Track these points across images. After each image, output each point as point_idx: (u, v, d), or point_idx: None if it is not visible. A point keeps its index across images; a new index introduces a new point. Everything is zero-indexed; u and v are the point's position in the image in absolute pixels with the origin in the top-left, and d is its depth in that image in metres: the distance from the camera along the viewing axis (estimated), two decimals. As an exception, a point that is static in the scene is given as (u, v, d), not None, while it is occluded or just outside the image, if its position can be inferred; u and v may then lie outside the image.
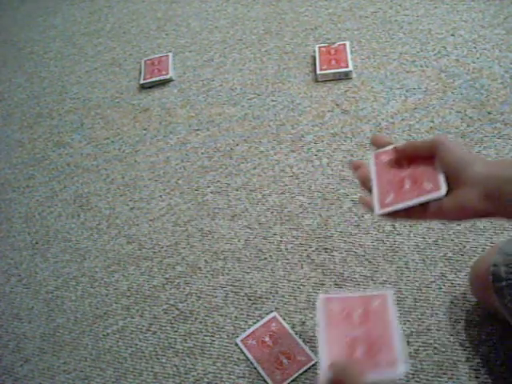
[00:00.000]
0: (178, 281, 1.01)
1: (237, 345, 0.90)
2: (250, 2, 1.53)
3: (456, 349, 0.82)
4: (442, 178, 0.54)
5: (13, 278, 1.10)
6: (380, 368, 0.53)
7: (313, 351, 0.85)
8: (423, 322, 0.86)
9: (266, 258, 1.00)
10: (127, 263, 1.06)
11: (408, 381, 0.81)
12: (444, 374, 0.81)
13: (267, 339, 0.89)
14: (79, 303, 1.03)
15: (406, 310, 0.88)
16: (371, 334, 0.56)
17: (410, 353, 0.83)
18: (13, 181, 1.29)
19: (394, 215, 0.58)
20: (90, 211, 1.17)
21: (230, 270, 1.00)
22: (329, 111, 1.20)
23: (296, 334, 0.89)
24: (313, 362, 0.85)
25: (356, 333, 0.58)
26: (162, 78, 1.38)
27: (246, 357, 0.88)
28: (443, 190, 0.54)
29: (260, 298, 0.95)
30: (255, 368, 0.87)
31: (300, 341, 0.88)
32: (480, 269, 0.77)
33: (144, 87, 1.39)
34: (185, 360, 0.91)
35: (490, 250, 0.80)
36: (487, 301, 0.79)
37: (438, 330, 0.85)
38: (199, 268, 1.02)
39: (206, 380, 0.88)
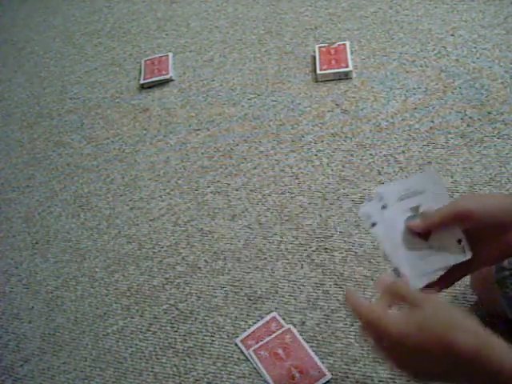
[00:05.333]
0: (178, 281, 1.01)
1: (237, 345, 0.90)
2: (250, 2, 1.53)
3: (456, 349, 0.82)
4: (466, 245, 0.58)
5: (13, 278, 1.10)
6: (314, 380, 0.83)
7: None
8: (423, 322, 0.86)
9: (265, 258, 1.00)
10: (127, 263, 1.06)
11: (408, 381, 0.81)
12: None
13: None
14: (79, 303, 1.03)
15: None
16: (297, 361, 0.85)
17: (410, 353, 0.83)
18: (13, 181, 1.29)
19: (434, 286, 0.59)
20: (90, 211, 1.17)
21: (229, 270, 1.00)
22: (329, 111, 1.20)
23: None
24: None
25: (287, 364, 0.85)
26: (162, 77, 1.38)
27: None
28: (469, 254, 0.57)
29: (260, 297, 0.95)
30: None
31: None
32: None
33: (144, 87, 1.39)
34: (185, 360, 0.91)
35: None
36: (487, 295, 0.79)
37: (437, 329, 0.85)
38: (199, 268, 1.02)
39: (205, 380, 0.88)
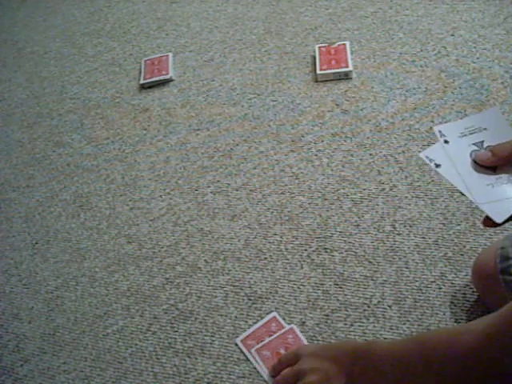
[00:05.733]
0: (178, 281, 1.01)
1: (237, 345, 0.90)
2: (250, 2, 1.53)
3: (456, 349, 0.82)
4: None
5: (13, 278, 1.10)
6: None
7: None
8: (423, 322, 0.86)
9: (266, 258, 1.00)
10: (127, 263, 1.06)
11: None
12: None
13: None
14: (79, 303, 1.03)
15: (406, 309, 0.88)
16: None
17: (410, 353, 0.83)
18: (13, 181, 1.29)
19: None
20: (90, 211, 1.17)
21: (229, 270, 1.00)
22: (329, 111, 1.20)
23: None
24: None
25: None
26: (162, 77, 1.38)
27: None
28: None
29: (260, 297, 0.95)
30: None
31: None
32: (485, 256, 0.78)
33: (144, 87, 1.39)
34: (185, 360, 0.91)
35: (497, 240, 0.82)
36: (489, 292, 0.79)
37: (438, 329, 0.85)
38: (199, 268, 1.02)
39: (205, 380, 0.88)
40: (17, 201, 1.24)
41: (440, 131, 0.62)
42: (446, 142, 0.62)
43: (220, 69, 1.38)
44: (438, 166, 0.61)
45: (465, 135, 0.62)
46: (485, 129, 0.61)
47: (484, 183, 0.60)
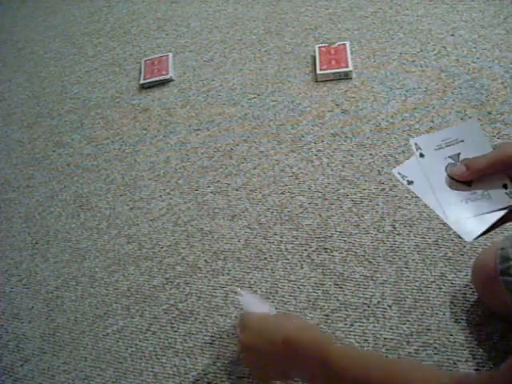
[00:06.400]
0: (178, 281, 1.01)
1: (236, 345, 0.90)
2: (250, 2, 1.53)
3: (456, 349, 0.82)
4: None
5: (13, 278, 1.10)
6: None
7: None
8: (423, 322, 0.86)
9: (265, 258, 1.00)
10: (127, 263, 1.06)
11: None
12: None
13: None
14: (79, 303, 1.03)
15: (406, 309, 0.88)
16: None
17: (410, 353, 0.83)
18: (13, 181, 1.29)
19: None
20: (90, 211, 1.17)
21: (229, 270, 1.00)
22: (329, 111, 1.20)
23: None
24: None
25: None
26: (162, 77, 1.38)
27: None
28: None
29: (260, 297, 0.95)
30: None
31: None
32: (485, 256, 0.79)
33: (144, 87, 1.39)
34: (185, 360, 0.91)
35: (497, 241, 0.81)
36: (489, 292, 0.79)
37: (437, 329, 0.85)
38: (199, 268, 1.02)
39: (205, 380, 0.88)
40: (17, 201, 1.24)
41: (416, 144, 0.61)
42: (421, 155, 0.60)
43: (220, 69, 1.38)
44: (410, 182, 0.59)
45: (441, 148, 0.60)
46: (462, 141, 0.60)
47: (458, 199, 0.58)
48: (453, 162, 0.59)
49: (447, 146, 0.60)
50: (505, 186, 0.57)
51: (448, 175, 0.59)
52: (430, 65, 1.22)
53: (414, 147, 0.61)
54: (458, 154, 0.59)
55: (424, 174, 0.59)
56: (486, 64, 1.19)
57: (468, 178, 0.59)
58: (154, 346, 0.94)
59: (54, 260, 1.11)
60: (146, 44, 1.52)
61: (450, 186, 0.59)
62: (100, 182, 1.22)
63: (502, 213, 0.56)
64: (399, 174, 0.60)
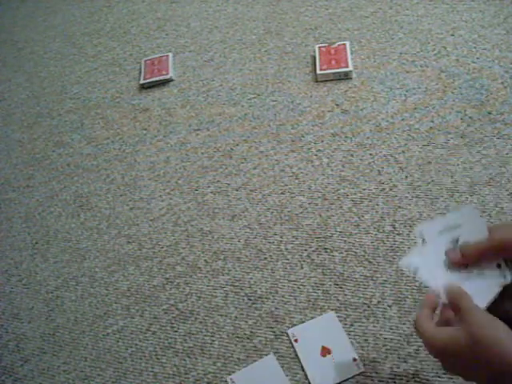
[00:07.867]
0: (178, 281, 1.01)
1: (237, 345, 0.90)
2: (250, 2, 1.53)
3: (456, 349, 0.82)
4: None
5: (13, 278, 1.10)
6: None
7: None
8: (423, 322, 0.86)
9: (266, 258, 1.00)
10: (127, 263, 1.06)
11: (408, 381, 0.81)
12: (444, 373, 0.81)
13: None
14: (79, 303, 1.03)
15: (406, 309, 0.88)
16: None
17: (410, 353, 0.83)
18: (13, 181, 1.29)
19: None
20: (90, 211, 1.17)
21: (229, 270, 1.00)
22: (329, 111, 1.20)
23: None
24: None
25: None
26: (162, 77, 1.38)
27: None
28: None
29: (260, 298, 0.95)
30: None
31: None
32: None
33: (144, 87, 1.39)
34: (185, 360, 0.91)
35: None
36: None
37: (437, 329, 0.85)
38: (199, 268, 1.02)
39: (205, 380, 0.88)
40: (17, 201, 1.24)
41: (420, 231, 0.64)
42: (423, 241, 0.64)
43: (220, 69, 1.38)
44: (416, 270, 0.62)
45: (442, 234, 0.63)
46: (460, 226, 0.63)
47: (454, 279, 0.61)
48: (453, 246, 0.62)
49: (447, 231, 0.63)
50: (498, 266, 0.59)
51: (446, 258, 0.63)
52: (430, 65, 1.22)
53: (418, 235, 0.64)
54: (457, 238, 0.62)
55: (425, 261, 0.63)
56: (486, 64, 1.19)
57: (464, 264, 0.61)
58: (154, 346, 0.94)
59: (53, 260, 1.11)
60: (146, 44, 1.52)
61: (450, 269, 0.62)
62: (100, 182, 1.22)
63: (497, 291, 0.59)
64: (404, 265, 0.63)
